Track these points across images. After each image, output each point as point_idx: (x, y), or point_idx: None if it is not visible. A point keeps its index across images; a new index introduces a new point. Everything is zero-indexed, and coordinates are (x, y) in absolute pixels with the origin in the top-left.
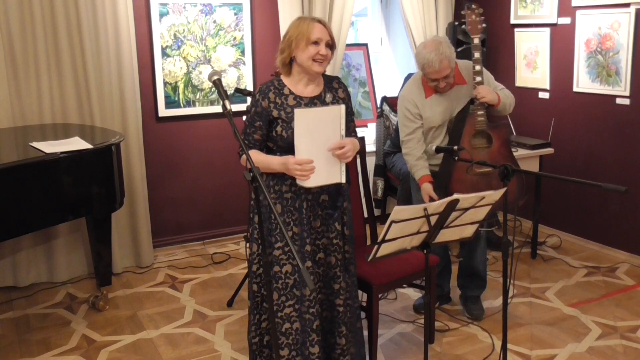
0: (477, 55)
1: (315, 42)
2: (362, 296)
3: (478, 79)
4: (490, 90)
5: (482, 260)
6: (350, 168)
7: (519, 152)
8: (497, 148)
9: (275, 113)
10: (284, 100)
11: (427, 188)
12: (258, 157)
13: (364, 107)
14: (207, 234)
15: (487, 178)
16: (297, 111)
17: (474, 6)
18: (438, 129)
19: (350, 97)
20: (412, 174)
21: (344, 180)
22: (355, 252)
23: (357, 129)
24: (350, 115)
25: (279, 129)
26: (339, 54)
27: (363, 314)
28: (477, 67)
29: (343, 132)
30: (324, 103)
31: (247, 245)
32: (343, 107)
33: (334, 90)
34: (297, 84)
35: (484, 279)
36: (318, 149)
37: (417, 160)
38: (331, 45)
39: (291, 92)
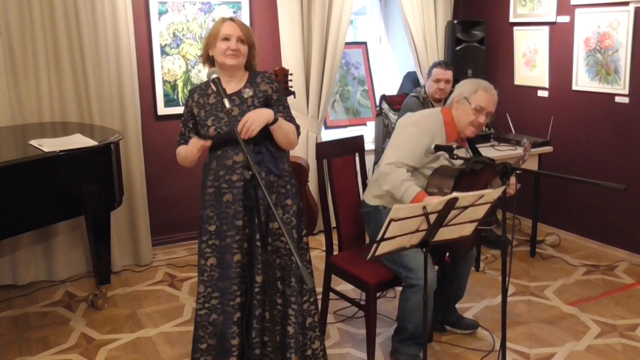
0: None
1: (226, 38)
2: (361, 295)
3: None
4: None
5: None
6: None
7: (518, 151)
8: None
9: (195, 111)
10: (205, 100)
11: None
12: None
13: (363, 105)
14: None
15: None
16: None
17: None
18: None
19: (280, 90)
20: (399, 194)
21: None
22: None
23: (357, 127)
24: (277, 107)
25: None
26: (338, 52)
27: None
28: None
29: None
30: (242, 99)
31: None
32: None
33: (255, 85)
34: (224, 83)
35: None
36: None
37: (406, 180)
38: (245, 41)
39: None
